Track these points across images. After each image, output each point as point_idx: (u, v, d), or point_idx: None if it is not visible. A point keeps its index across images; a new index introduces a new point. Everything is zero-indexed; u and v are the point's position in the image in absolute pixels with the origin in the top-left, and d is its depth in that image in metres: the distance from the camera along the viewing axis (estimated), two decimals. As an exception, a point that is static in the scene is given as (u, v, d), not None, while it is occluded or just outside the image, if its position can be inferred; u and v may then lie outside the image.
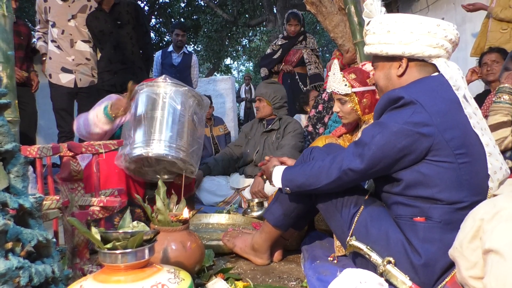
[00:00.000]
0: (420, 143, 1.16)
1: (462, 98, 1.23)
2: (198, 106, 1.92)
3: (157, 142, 1.76)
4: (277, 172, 1.43)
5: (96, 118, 1.89)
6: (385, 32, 1.28)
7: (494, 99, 1.90)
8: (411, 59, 1.29)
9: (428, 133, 1.15)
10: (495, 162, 1.21)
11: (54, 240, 0.91)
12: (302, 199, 1.48)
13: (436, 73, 1.29)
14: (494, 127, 1.83)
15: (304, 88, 4.17)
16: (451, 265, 1.15)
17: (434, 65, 1.29)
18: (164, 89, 1.83)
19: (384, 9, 1.36)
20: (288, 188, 1.39)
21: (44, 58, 3.46)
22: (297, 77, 4.25)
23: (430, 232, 1.18)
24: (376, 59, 1.38)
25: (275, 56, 4.35)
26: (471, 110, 1.24)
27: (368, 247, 1.26)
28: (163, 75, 1.91)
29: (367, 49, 1.36)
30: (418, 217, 1.20)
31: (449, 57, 1.31)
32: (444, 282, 1.16)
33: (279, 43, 4.42)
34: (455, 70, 1.27)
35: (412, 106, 1.17)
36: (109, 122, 1.90)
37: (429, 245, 1.17)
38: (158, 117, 1.80)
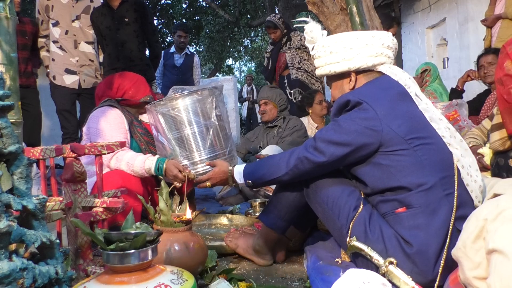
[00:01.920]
0: (368, 137, 1.26)
1: (414, 96, 1.34)
2: (218, 99, 1.93)
3: (200, 163, 1.85)
4: (238, 170, 1.52)
5: (144, 171, 1.87)
6: (329, 54, 1.40)
7: (497, 99, 1.89)
8: (358, 71, 1.40)
9: (375, 126, 1.25)
10: (455, 151, 1.28)
11: (58, 241, 0.91)
12: (295, 201, 1.50)
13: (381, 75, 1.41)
14: (498, 126, 1.81)
15: (290, 92, 4.09)
16: (443, 247, 1.18)
17: (380, 72, 1.41)
18: (183, 103, 1.84)
19: (325, 32, 1.48)
20: (250, 181, 1.48)
21: (48, 70, 3.38)
22: (285, 80, 4.18)
23: (414, 219, 1.22)
24: (329, 79, 1.49)
25: (269, 67, 4.34)
26: (424, 105, 1.33)
27: (369, 247, 1.25)
28: (174, 88, 1.93)
29: (319, 72, 1.48)
30: (399, 209, 1.25)
31: (392, 62, 1.43)
32: (441, 266, 1.17)
33: (269, 50, 4.41)
34: (400, 72, 1.38)
35: (359, 106, 1.29)
36: (155, 174, 1.89)
37: (416, 231, 1.20)
38: (190, 135, 1.84)
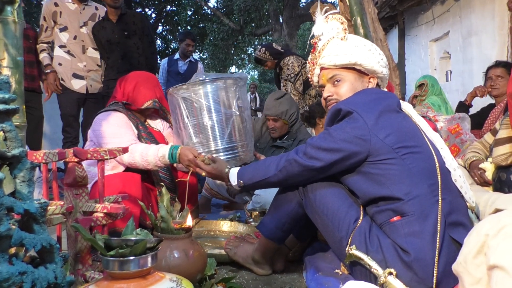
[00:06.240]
0: (357, 145, 1.29)
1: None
2: (241, 90, 1.90)
3: (215, 152, 1.82)
4: (233, 172, 1.53)
5: (157, 159, 1.82)
6: (360, 47, 1.49)
7: (509, 113, 1.88)
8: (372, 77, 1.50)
9: (363, 136, 1.28)
10: (445, 154, 1.35)
11: (58, 245, 0.91)
12: (293, 212, 1.49)
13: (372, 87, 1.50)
14: (503, 141, 1.80)
15: None
16: (440, 253, 1.18)
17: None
18: (206, 89, 1.80)
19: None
20: (241, 181, 1.48)
21: (48, 71, 3.30)
22: None
23: (409, 226, 1.22)
24: (341, 72, 1.51)
25: None
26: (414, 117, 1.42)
27: (369, 257, 1.25)
28: (197, 74, 1.89)
29: (339, 60, 1.48)
30: (394, 218, 1.26)
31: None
32: (435, 274, 1.17)
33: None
34: None
35: (350, 115, 1.33)
36: (171, 163, 1.85)
37: (411, 238, 1.20)
38: (209, 123, 1.81)
